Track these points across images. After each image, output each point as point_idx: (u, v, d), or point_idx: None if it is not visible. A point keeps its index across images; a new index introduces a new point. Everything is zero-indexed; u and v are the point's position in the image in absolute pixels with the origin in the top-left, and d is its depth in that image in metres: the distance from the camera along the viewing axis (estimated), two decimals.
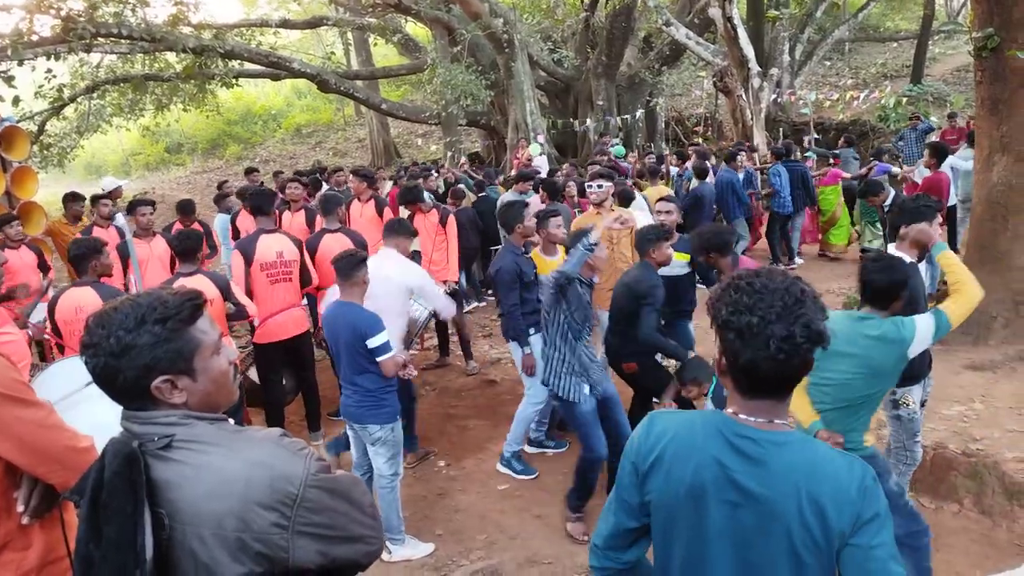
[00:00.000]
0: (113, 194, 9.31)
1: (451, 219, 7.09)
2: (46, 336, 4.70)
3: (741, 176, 9.88)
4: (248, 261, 5.17)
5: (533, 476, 5.03)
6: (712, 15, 14.18)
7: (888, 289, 3.08)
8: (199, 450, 1.41)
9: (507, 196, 8.49)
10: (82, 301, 4.38)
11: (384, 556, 4.08)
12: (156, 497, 1.37)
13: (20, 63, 13.63)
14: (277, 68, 17.30)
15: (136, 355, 1.39)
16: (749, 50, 14.01)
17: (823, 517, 1.46)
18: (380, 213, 7.11)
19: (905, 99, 15.93)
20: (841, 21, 17.92)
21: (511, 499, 4.79)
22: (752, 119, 14.18)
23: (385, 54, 26.25)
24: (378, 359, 3.93)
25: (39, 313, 5.26)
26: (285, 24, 20.42)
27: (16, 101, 13.48)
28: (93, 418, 1.86)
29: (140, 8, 15.40)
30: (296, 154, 26.17)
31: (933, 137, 11.37)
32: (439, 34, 18.11)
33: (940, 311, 3.03)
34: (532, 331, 5.04)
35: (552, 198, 7.52)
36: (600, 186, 6.17)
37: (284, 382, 5.51)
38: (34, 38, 14.50)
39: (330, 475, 1.49)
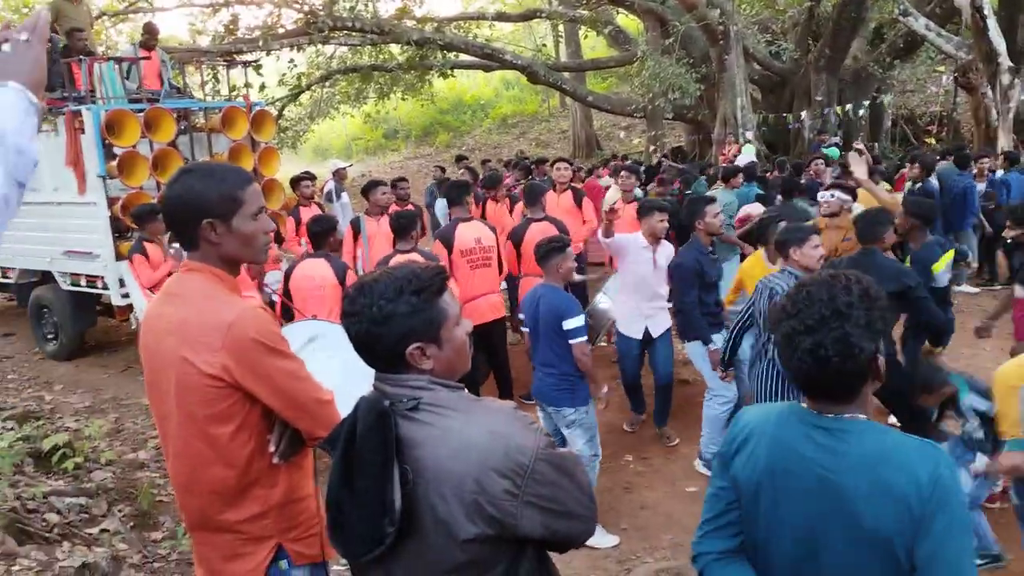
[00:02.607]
0: (338, 175, 10.15)
1: None
2: (276, 299, 5.22)
3: (982, 185, 8.91)
4: (449, 249, 5.42)
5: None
6: (958, 3, 12.84)
7: None
8: (443, 414, 1.51)
9: (718, 193, 8.20)
10: (316, 272, 4.81)
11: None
12: (402, 454, 1.47)
13: (268, 53, 15.14)
14: (491, 60, 17.94)
15: (395, 323, 1.51)
16: (1000, 42, 12.55)
17: (896, 505, 1.45)
18: (579, 203, 7.18)
19: None
20: None
21: (700, 502, 4.66)
22: (998, 119, 12.72)
23: (593, 46, 26.34)
24: (571, 341, 4.06)
25: (273, 279, 5.86)
26: (501, 17, 21.14)
27: (262, 87, 15.03)
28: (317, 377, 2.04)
29: (372, 3, 16.60)
30: (501, 144, 26.99)
31: None
32: (651, 26, 17.90)
33: None
34: (714, 332, 4.91)
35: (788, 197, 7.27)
36: (833, 195, 5.91)
37: (479, 364, 5.74)
38: (280, 31, 16.10)
39: (556, 451, 1.54)
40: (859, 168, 5.17)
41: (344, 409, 1.65)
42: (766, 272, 4.79)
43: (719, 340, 4.89)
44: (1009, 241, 4.49)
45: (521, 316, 4.50)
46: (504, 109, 30.51)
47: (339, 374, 2.35)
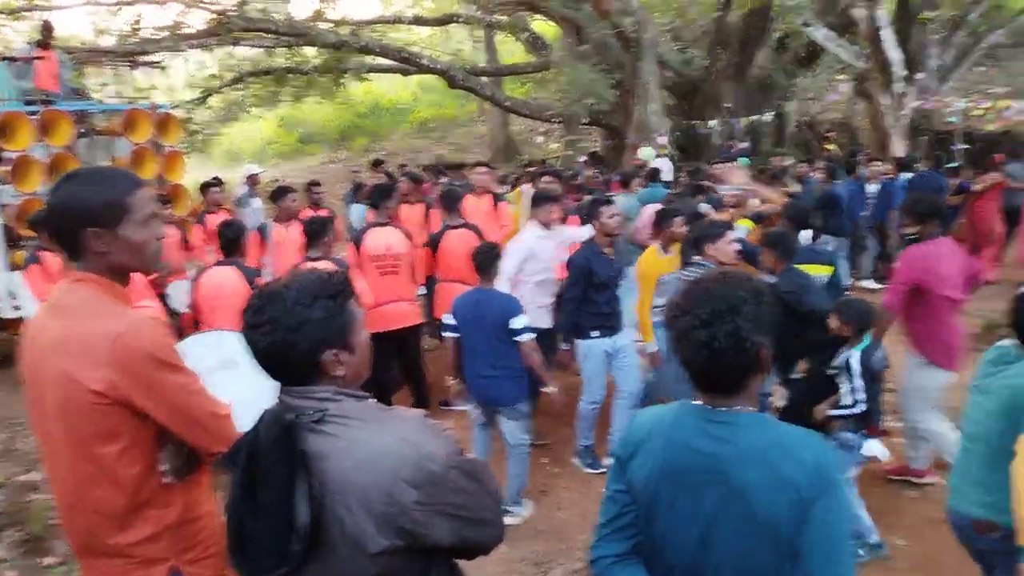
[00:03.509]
0: (251, 180, 9.88)
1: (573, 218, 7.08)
2: (183, 309, 5.03)
3: (876, 187, 9.44)
4: (357, 253, 5.37)
5: (601, 471, 4.98)
6: (855, 15, 13.49)
7: None
8: (350, 425, 1.48)
9: (618, 196, 8.36)
10: (225, 280, 4.66)
11: (512, 520, 4.38)
12: (308, 467, 1.43)
13: (175, 54, 14.63)
14: (408, 64, 17.80)
15: (311, 329, 1.47)
16: (894, 53, 13.24)
17: (784, 491, 1.52)
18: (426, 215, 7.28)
19: None
20: (997, 25, 16.65)
21: None
22: (892, 126, 13.41)
23: (511, 51, 26.50)
24: (519, 339, 4.25)
25: (179, 288, 5.64)
26: (418, 21, 21.00)
27: (169, 90, 14.52)
28: (223, 391, 1.96)
29: (284, 3, 16.26)
30: (420, 148, 26.82)
31: None
32: (567, 32, 18.12)
33: None
34: (596, 333, 4.95)
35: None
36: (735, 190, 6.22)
37: (392, 372, 5.67)
38: (188, 31, 15.58)
39: (466, 458, 1.54)
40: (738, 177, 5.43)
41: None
42: (659, 263, 4.92)
43: (602, 345, 4.94)
44: (908, 237, 4.72)
45: (448, 322, 4.47)
46: (422, 113, 30.33)
47: (252, 386, 2.27)
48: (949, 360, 4.47)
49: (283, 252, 6.17)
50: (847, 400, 3.88)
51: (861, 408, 3.83)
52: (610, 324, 5.01)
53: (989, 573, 2.82)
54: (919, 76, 13.81)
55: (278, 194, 6.49)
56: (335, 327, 1.51)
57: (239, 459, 1.46)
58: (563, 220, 6.89)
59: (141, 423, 1.80)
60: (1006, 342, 2.86)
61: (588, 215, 5.23)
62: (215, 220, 7.05)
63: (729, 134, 16.11)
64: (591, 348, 4.96)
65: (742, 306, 1.57)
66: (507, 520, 4.24)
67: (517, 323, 4.25)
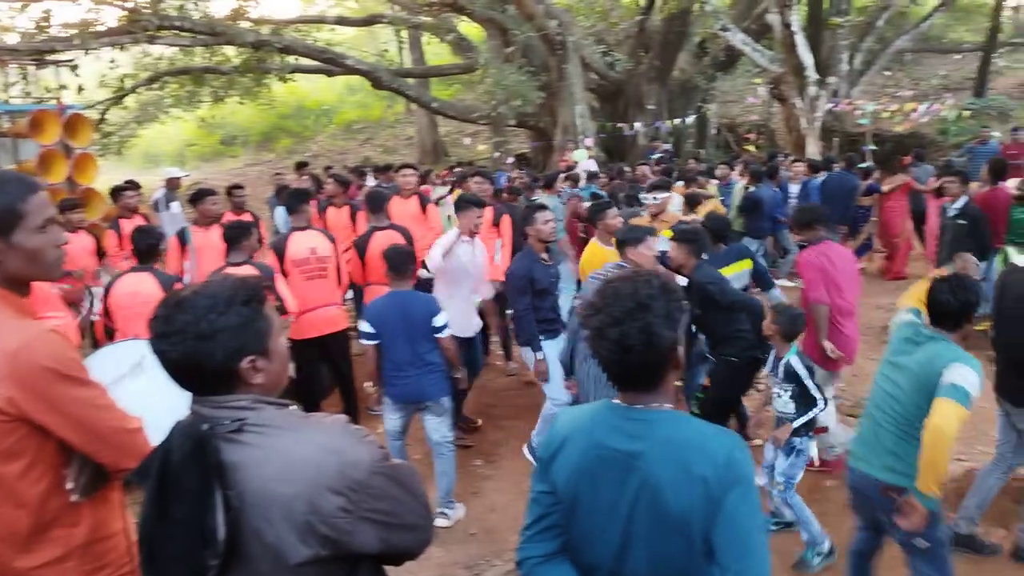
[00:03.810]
0: (171, 184, 9.57)
1: (505, 218, 7.09)
2: (95, 318, 4.83)
3: (797, 187, 9.80)
4: (281, 259, 5.26)
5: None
6: (770, 21, 13.95)
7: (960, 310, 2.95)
8: (269, 434, 1.44)
9: (543, 199, 8.43)
10: (141, 287, 4.49)
11: (444, 522, 4.45)
12: (225, 479, 1.39)
13: (86, 52, 14.03)
14: (332, 64, 17.56)
15: (226, 337, 1.42)
16: (807, 57, 13.75)
17: (695, 486, 1.55)
18: (424, 209, 7.17)
19: (967, 112, 15.45)
20: (903, 31, 17.50)
21: None
22: (807, 128, 13.92)
23: (438, 53, 26.40)
24: (440, 335, 4.38)
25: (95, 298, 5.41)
26: (341, 21, 20.71)
27: (80, 89, 13.92)
28: (139, 402, 1.90)
29: (203, 1, 15.78)
30: (346, 149, 26.48)
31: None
32: (492, 34, 18.17)
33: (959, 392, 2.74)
34: (543, 338, 5.00)
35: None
36: (656, 199, 6.24)
37: (320, 378, 5.58)
38: (100, 28, 14.96)
39: (392, 463, 1.52)
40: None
41: None
42: (606, 256, 5.01)
43: (552, 347, 4.99)
44: (801, 245, 4.96)
45: (366, 329, 4.44)
46: (348, 115, 29.93)
47: (168, 396, 2.19)
48: (823, 359, 4.70)
49: (204, 257, 5.98)
50: (788, 408, 3.94)
51: (823, 406, 3.92)
52: (554, 328, 5.11)
53: (877, 536, 3.22)
54: (831, 80, 14.37)
55: (198, 197, 6.30)
56: (251, 333, 1.46)
57: (150, 474, 1.41)
58: (495, 224, 6.93)
59: (44, 439, 1.72)
60: (917, 319, 3.10)
61: (523, 221, 5.26)
62: (130, 225, 6.80)
63: (653, 135, 16.45)
64: (548, 355, 5.02)
65: (652, 303, 1.60)
66: (440, 522, 4.37)
67: (439, 320, 4.39)
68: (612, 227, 5.18)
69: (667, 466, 1.58)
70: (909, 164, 10.83)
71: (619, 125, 17.09)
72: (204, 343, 1.41)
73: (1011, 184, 7.81)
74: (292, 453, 1.42)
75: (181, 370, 1.44)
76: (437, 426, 4.50)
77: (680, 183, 8.88)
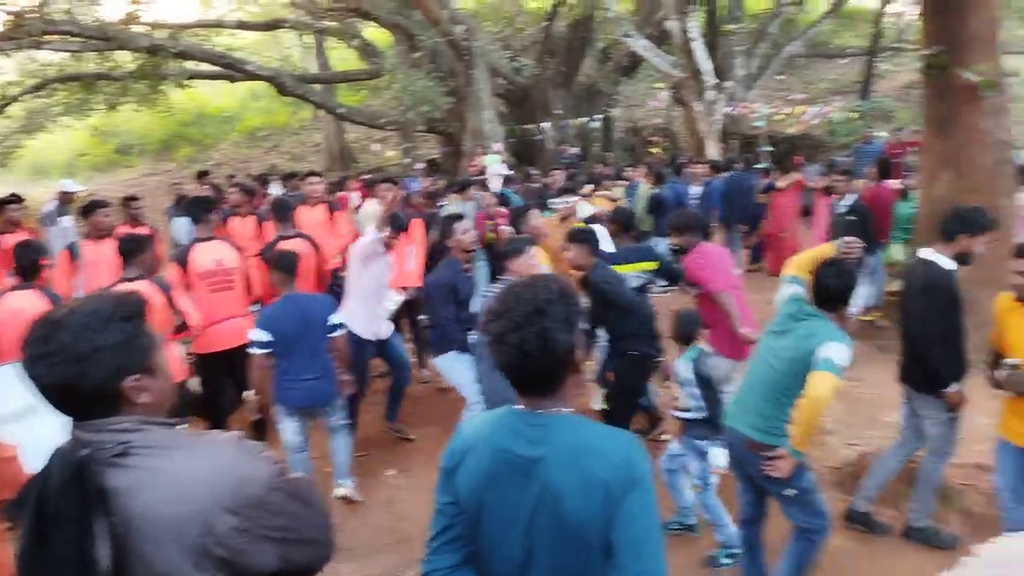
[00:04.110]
0: (63, 198, 9.11)
1: (417, 223, 7.05)
2: None
3: (698, 189, 10.12)
4: (184, 271, 5.10)
5: None
6: (670, 27, 14.39)
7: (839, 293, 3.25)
8: (158, 455, 1.39)
9: (454, 205, 8.44)
10: (25, 305, 4.25)
11: (347, 492, 4.74)
12: (109, 506, 1.33)
13: None
14: (232, 70, 17.06)
15: (108, 355, 1.37)
16: (705, 63, 14.24)
17: (595, 489, 1.56)
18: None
19: (853, 114, 16.34)
20: (793, 37, 18.36)
21: None
22: (706, 131, 14.41)
23: (344, 58, 26.01)
24: (335, 335, 4.49)
25: None
26: (242, 25, 20.15)
27: None
28: (28, 429, 1.81)
29: (93, 5, 15.07)
30: (250, 157, 25.76)
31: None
32: (399, 39, 18.05)
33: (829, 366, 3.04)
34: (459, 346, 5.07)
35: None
36: (567, 202, 6.36)
37: (227, 393, 5.43)
38: None
39: (289, 478, 1.49)
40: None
41: None
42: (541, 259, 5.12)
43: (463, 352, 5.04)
44: (676, 248, 5.13)
45: (260, 338, 4.36)
46: (252, 121, 29.09)
47: (56, 422, 2.09)
48: (735, 350, 4.89)
49: (97, 273, 5.73)
50: (686, 404, 4.05)
51: (698, 415, 4.00)
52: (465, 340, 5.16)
53: (760, 502, 3.52)
54: (727, 84, 14.94)
55: (89, 209, 6.02)
56: (133, 351, 1.41)
57: (28, 504, 1.34)
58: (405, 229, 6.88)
59: None
60: (800, 293, 3.35)
61: (443, 232, 5.30)
62: (13, 240, 6.43)
63: (560, 139, 16.69)
64: (458, 359, 5.05)
65: (550, 308, 1.61)
66: (342, 492, 4.63)
67: (335, 319, 4.52)
68: (537, 230, 5.30)
69: (567, 470, 1.59)
70: (801, 164, 11.38)
71: (527, 129, 17.27)
72: (82, 363, 1.35)
73: (894, 182, 8.32)
74: (183, 474, 1.38)
75: (59, 394, 1.38)
76: (337, 418, 4.71)
77: (589, 186, 9.07)
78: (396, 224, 5.44)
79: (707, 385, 4.00)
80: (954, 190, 6.31)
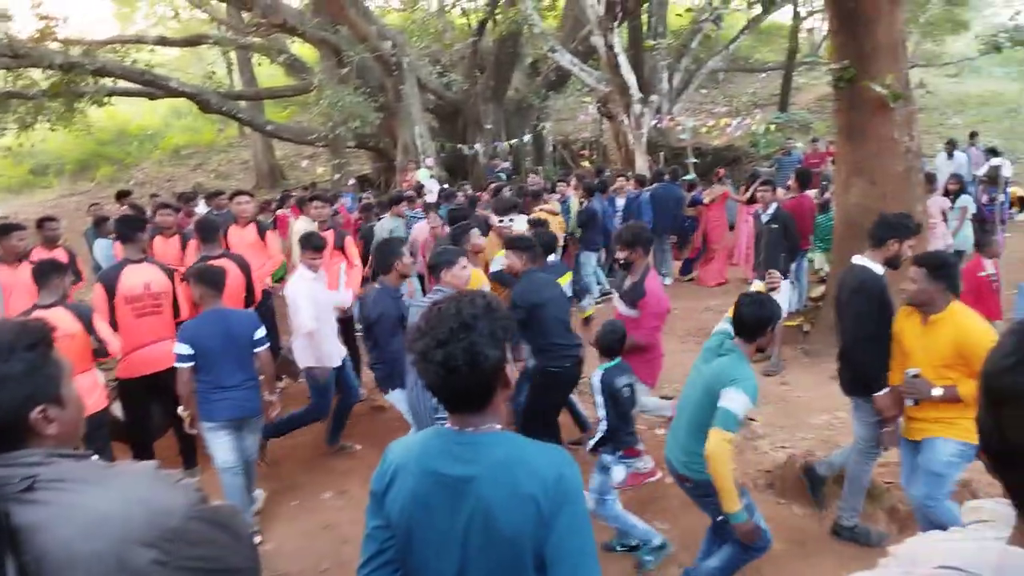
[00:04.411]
0: None
1: (349, 240, 6.98)
2: None
3: (622, 201, 10.32)
4: (111, 294, 4.93)
5: None
6: (595, 43, 14.65)
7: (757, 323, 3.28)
8: (68, 489, 1.32)
9: (385, 223, 8.37)
10: None
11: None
12: (19, 544, 1.26)
13: None
14: (153, 87, 16.62)
15: (13, 386, 1.31)
16: (630, 77, 14.53)
17: (527, 506, 1.56)
18: (263, 237, 6.96)
19: (773, 126, 16.92)
20: (715, 52, 18.92)
21: None
22: (634, 144, 14.70)
23: (271, 74, 25.61)
24: (260, 349, 4.47)
25: None
26: (163, 41, 19.68)
27: None
28: None
29: (2, 22, 14.48)
30: (175, 176, 25.09)
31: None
32: (326, 55, 17.89)
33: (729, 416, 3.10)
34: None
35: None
36: (512, 220, 6.40)
37: (153, 417, 5.28)
38: None
39: (210, 506, 1.44)
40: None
41: None
42: (477, 277, 5.07)
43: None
44: (621, 261, 5.16)
45: (183, 352, 4.27)
46: (176, 139, 28.35)
47: None
48: (649, 376, 4.91)
49: (12, 298, 5.49)
50: (602, 421, 3.97)
51: (602, 427, 3.90)
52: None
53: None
54: (653, 98, 15.28)
55: (2, 232, 5.77)
56: (40, 380, 1.35)
57: None
58: (338, 247, 6.79)
59: None
60: (725, 328, 3.42)
61: (386, 255, 5.14)
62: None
63: (492, 154, 16.78)
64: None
65: (476, 323, 1.60)
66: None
67: (260, 333, 4.50)
68: (477, 247, 5.29)
69: (498, 488, 1.57)
70: (724, 176, 11.73)
71: (459, 145, 17.32)
72: None
73: (812, 193, 8.65)
74: (95, 508, 1.31)
75: None
76: (252, 443, 4.64)
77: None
78: (312, 244, 5.39)
79: (615, 400, 3.86)
80: (868, 198, 6.59)
